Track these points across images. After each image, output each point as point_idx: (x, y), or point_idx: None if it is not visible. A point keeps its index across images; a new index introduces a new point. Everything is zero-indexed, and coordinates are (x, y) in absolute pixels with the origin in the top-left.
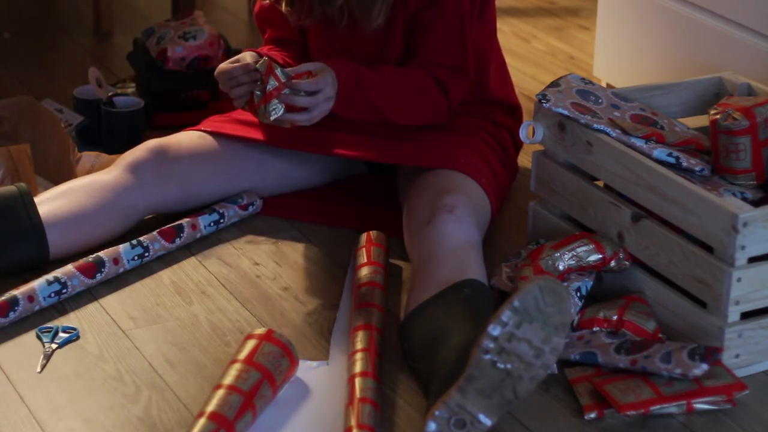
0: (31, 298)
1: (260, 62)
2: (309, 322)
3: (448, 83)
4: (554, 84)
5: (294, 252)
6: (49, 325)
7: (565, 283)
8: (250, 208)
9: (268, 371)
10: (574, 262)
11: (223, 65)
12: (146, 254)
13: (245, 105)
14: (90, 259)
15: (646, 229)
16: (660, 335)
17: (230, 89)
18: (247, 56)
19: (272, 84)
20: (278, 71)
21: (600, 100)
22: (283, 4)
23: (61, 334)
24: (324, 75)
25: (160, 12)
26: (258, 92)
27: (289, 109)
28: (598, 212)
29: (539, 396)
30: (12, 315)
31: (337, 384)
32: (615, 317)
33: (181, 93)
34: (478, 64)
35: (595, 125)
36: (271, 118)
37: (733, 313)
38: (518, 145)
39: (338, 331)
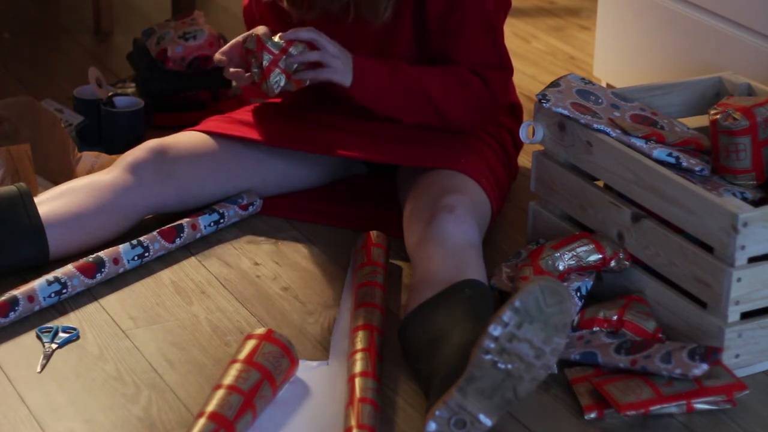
0: (31, 298)
1: (248, 40)
2: (309, 322)
3: (489, 78)
4: (554, 84)
5: (294, 252)
6: (49, 325)
7: (565, 283)
8: (250, 208)
9: (268, 371)
10: (574, 262)
11: (216, 55)
12: (146, 254)
13: (252, 82)
14: (90, 259)
15: (646, 229)
16: (660, 335)
17: (229, 74)
18: (238, 38)
19: (267, 58)
20: (269, 44)
21: (600, 100)
22: (285, 0)
23: (61, 334)
24: (318, 32)
25: (160, 12)
26: (256, 70)
27: (290, 76)
28: (598, 212)
29: (539, 396)
30: (12, 315)
31: (337, 384)
32: (615, 317)
33: (181, 93)
34: None
35: (595, 125)
36: (276, 91)
37: (733, 313)
38: (518, 145)
39: (338, 331)
